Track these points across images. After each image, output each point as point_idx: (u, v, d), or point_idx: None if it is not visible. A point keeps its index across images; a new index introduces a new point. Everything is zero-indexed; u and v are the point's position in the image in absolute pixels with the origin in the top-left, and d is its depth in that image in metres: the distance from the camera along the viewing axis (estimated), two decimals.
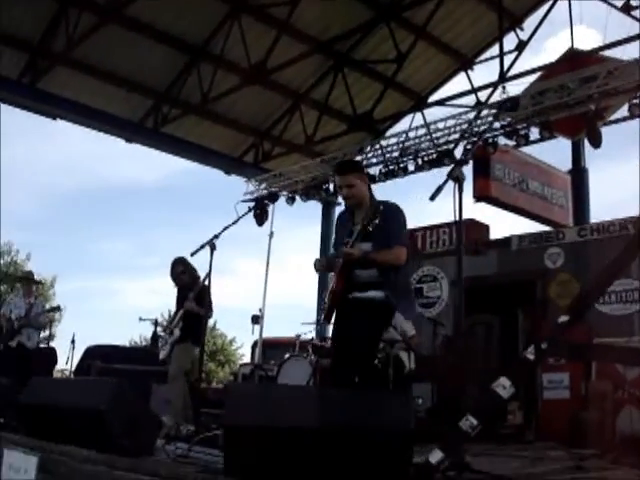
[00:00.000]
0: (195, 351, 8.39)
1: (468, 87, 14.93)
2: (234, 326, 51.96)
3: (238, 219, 6.19)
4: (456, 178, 3.74)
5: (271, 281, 13.96)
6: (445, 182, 3.75)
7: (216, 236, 5.93)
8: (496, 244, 11.53)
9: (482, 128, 12.15)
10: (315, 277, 17.78)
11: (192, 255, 6.04)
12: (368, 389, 4.09)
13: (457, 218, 3.72)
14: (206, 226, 50.30)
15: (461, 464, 3.12)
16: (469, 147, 12.01)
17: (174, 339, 8.10)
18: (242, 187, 16.45)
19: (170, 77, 14.78)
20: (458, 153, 12.76)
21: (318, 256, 17.93)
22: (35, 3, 12.54)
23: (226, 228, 5.98)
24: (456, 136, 12.89)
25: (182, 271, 8.25)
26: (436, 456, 2.16)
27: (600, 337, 9.60)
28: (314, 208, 17.66)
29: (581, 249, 10.48)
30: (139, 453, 3.61)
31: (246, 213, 6.70)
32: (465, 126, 12.83)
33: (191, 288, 8.00)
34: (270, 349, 14.54)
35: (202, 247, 5.94)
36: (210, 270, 6.19)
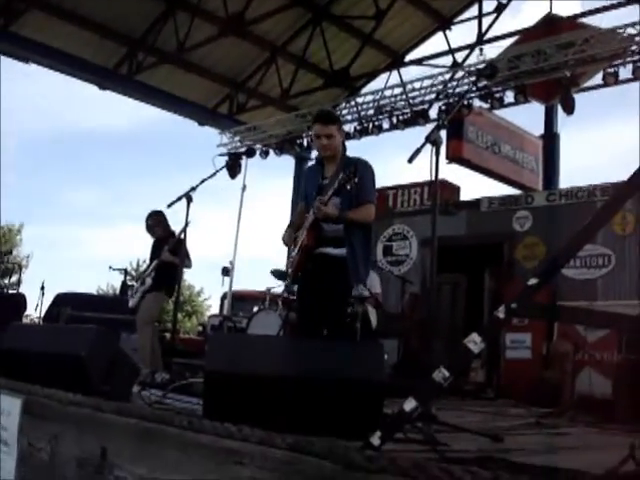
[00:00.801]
0: (165, 301, 8.48)
1: (445, 47, 14.96)
2: (202, 278, 52.06)
3: (216, 172, 6.23)
4: (434, 142, 3.83)
5: (241, 234, 14.10)
6: (423, 145, 3.84)
7: (193, 188, 5.96)
8: (466, 205, 11.71)
9: (458, 90, 12.20)
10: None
11: (169, 207, 6.06)
12: (340, 340, 4.20)
13: (433, 181, 3.81)
14: (176, 177, 50.02)
15: (428, 415, 3.28)
16: (444, 108, 12.07)
17: (145, 287, 8.09)
18: (215, 139, 16.44)
19: (146, 24, 14.55)
20: (433, 113, 12.83)
21: (289, 212, 18.03)
22: None
23: (203, 181, 6.02)
24: (431, 96, 12.95)
25: (154, 224, 8.26)
26: (410, 404, 2.29)
27: (564, 300, 9.82)
28: (287, 162, 17.73)
29: (549, 213, 10.68)
30: (116, 399, 3.71)
31: (223, 167, 6.72)
32: (441, 87, 12.88)
33: (166, 241, 8.04)
34: (239, 301, 14.69)
35: (179, 199, 5.97)
36: (187, 222, 6.21)
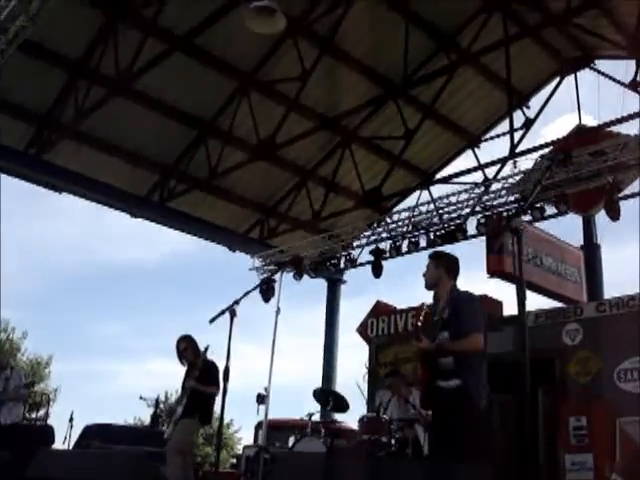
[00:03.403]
0: (199, 429, 8.15)
1: (473, 164, 14.89)
2: (230, 409, 50.91)
3: (258, 285, 5.95)
4: (515, 230, 3.51)
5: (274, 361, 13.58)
6: (503, 233, 3.55)
7: (236, 302, 5.66)
8: (512, 320, 11.16)
9: (496, 202, 11.99)
10: (319, 361, 17.36)
11: (211, 322, 5.70)
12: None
13: (517, 273, 3.46)
14: (207, 307, 49.97)
15: None
16: (482, 221, 11.84)
17: (176, 417, 7.78)
18: (245, 266, 16.31)
19: (177, 152, 14.73)
20: (470, 228, 12.56)
21: (323, 336, 17.56)
22: (44, 74, 12.47)
23: (247, 293, 5.73)
24: (467, 211, 12.74)
25: (185, 348, 8.03)
26: None
27: (622, 416, 9.24)
28: (319, 287, 17.47)
29: (600, 324, 10.15)
30: None
31: (265, 279, 6.44)
32: (475, 201, 12.68)
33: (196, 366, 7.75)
34: (274, 431, 13.97)
35: (222, 313, 5.65)
36: (230, 337, 5.79)
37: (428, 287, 5.51)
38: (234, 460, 17.14)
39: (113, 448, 10.16)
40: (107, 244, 56.38)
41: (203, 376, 7.51)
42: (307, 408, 10.17)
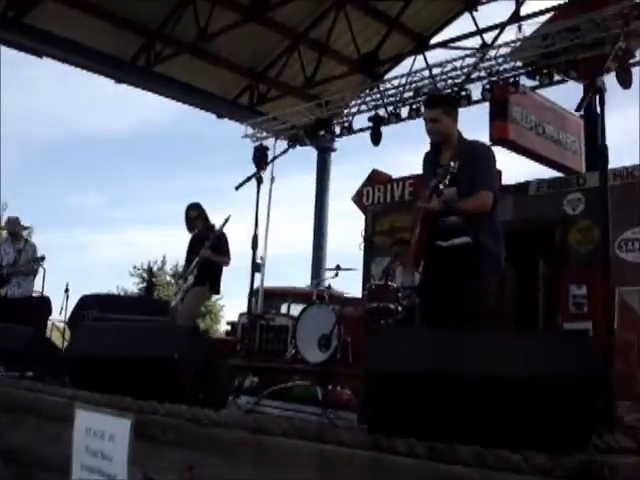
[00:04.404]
0: (208, 297, 8.21)
1: (471, 29, 14.32)
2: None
3: (287, 150, 5.72)
4: (598, 89, 3.29)
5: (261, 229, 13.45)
6: (590, 94, 3.35)
7: (262, 168, 5.41)
8: (512, 189, 11.04)
9: (502, 67, 11.57)
10: (310, 228, 17.32)
11: (237, 188, 5.42)
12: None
13: (600, 136, 3.27)
14: (186, 177, 49.57)
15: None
16: (488, 87, 11.49)
17: (187, 285, 7.75)
18: (228, 135, 15.94)
19: (164, 12, 14.00)
20: (476, 93, 12.13)
21: (313, 205, 17.49)
22: None
23: (275, 158, 5.50)
24: (470, 76, 12.28)
25: (196, 216, 7.95)
26: None
27: (622, 285, 9.31)
28: (309, 155, 17.22)
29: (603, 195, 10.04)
30: (213, 409, 3.14)
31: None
32: (473, 67, 12.19)
33: (206, 235, 7.63)
34: (265, 298, 14.05)
35: (248, 179, 5.39)
36: (257, 204, 5.53)
37: (441, 140, 4.61)
38: (228, 327, 17.37)
39: (110, 317, 10.13)
40: (85, 113, 55.21)
41: (216, 246, 7.48)
42: (296, 277, 10.18)
